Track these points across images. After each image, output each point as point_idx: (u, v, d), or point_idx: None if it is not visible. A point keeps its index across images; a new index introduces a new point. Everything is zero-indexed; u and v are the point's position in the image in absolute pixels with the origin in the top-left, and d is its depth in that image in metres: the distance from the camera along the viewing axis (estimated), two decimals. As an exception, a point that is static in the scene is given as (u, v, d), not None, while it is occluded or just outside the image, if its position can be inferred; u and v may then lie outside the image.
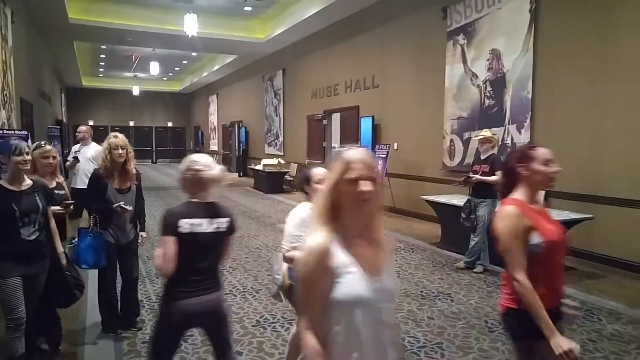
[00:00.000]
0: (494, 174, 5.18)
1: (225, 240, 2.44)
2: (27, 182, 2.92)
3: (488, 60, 7.19)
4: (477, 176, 5.29)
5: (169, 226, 2.25)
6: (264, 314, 4.22)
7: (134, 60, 19.04)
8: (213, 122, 24.01)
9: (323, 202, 1.48)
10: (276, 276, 2.74)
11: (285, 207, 10.60)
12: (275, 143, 15.82)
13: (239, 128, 19.13)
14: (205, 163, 2.34)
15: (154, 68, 17.75)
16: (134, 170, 3.70)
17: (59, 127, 13.44)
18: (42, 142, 3.54)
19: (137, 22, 12.31)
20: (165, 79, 25.56)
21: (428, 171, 8.58)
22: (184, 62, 20.62)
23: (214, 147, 23.92)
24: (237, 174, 18.98)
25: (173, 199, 11.39)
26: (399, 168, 9.31)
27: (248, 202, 11.44)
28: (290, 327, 3.90)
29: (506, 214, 2.00)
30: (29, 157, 2.87)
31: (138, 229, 3.81)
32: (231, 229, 2.43)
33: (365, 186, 1.41)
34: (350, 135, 11.09)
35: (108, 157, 3.52)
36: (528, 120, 6.47)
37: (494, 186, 5.26)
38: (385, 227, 5.71)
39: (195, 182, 2.32)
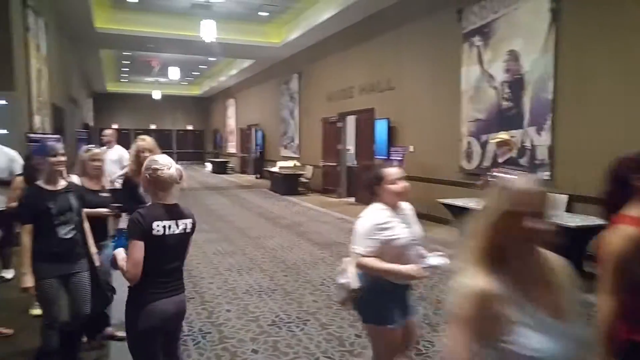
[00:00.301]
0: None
1: (188, 241, 2.43)
2: (62, 182, 3.02)
3: (505, 61, 7.14)
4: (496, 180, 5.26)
5: (139, 229, 2.19)
6: (279, 313, 4.29)
7: (155, 65, 19.43)
8: (231, 125, 24.30)
9: (482, 239, 1.30)
10: (344, 281, 2.49)
11: (300, 209, 10.70)
12: (291, 146, 15.94)
13: (256, 131, 19.33)
14: (163, 162, 2.31)
15: (174, 73, 18.09)
16: None
17: (86, 130, 13.85)
18: (92, 146, 3.68)
19: (158, 29, 12.61)
20: (185, 83, 25.98)
21: (445, 174, 8.56)
22: (202, 66, 20.97)
23: (232, 149, 24.20)
24: (254, 176, 19.19)
25: (190, 198, 11.58)
26: (415, 171, 9.28)
27: (264, 204, 11.56)
28: (305, 327, 3.97)
29: (622, 235, 1.68)
30: (63, 159, 2.98)
31: None
32: (193, 229, 2.42)
33: (542, 224, 1.25)
34: (366, 138, 11.12)
35: (136, 159, 3.60)
36: (549, 122, 6.39)
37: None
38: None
39: (154, 182, 2.29)
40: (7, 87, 6.19)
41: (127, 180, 3.67)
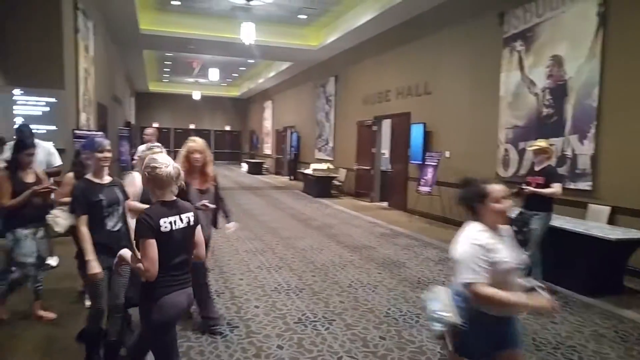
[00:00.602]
0: (549, 186, 5.01)
1: (193, 234, 2.50)
2: (107, 177, 3.16)
3: (548, 67, 6.94)
4: (531, 188, 5.10)
5: (149, 228, 2.27)
6: (306, 312, 4.32)
7: (195, 66, 19.95)
8: (267, 127, 24.62)
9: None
10: (440, 314, 2.26)
11: (332, 212, 10.72)
12: (325, 148, 16.00)
13: (292, 133, 19.51)
14: (162, 161, 2.38)
15: (214, 74, 18.51)
16: (212, 173, 3.86)
17: (128, 128, 14.37)
18: (153, 145, 3.77)
19: (199, 31, 12.95)
20: (224, 84, 26.52)
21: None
22: (242, 68, 21.35)
23: (267, 151, 24.51)
24: (288, 177, 19.36)
25: (226, 198, 11.76)
26: (451, 177, 9.15)
27: (296, 205, 11.65)
28: (330, 326, 3.99)
29: None
30: (109, 155, 3.10)
31: (218, 225, 4.02)
32: (196, 221, 2.50)
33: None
34: (401, 142, 11.04)
35: (186, 160, 3.67)
36: (592, 130, 6.16)
37: (550, 199, 5.09)
38: (435, 237, 5.75)
39: (153, 180, 2.36)
40: (57, 85, 6.51)
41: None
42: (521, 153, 7.35)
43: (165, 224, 2.31)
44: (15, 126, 5.41)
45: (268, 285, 5.08)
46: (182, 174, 2.48)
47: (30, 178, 3.79)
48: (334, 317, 4.21)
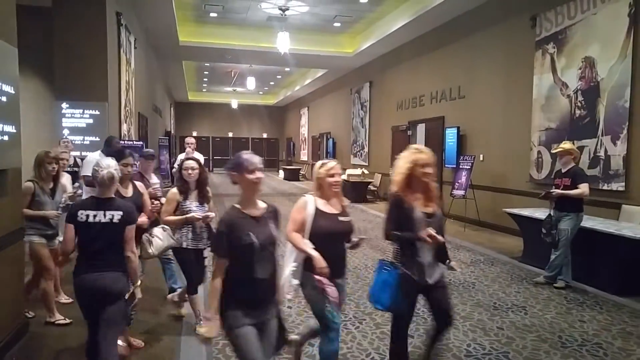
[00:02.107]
0: (576, 187, 4.94)
1: (120, 230, 2.79)
2: (261, 205, 2.36)
3: (580, 68, 6.81)
4: (558, 191, 5.06)
5: (70, 215, 2.79)
6: (331, 312, 4.43)
7: (232, 76, 20.54)
8: (304, 134, 24.95)
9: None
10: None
11: (367, 217, 10.77)
12: (361, 154, 16.08)
13: (327, 139, 19.70)
14: (102, 165, 2.83)
15: (251, 83, 18.99)
16: (436, 191, 2.95)
17: (167, 137, 15.01)
18: (327, 160, 2.96)
19: (235, 41, 13.38)
20: (261, 93, 27.11)
21: (514, 183, 8.25)
22: (278, 77, 21.79)
23: (304, 157, 24.82)
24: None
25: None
26: (485, 180, 9.05)
27: (331, 211, 11.76)
28: (360, 325, 4.09)
29: None
30: (262, 175, 2.33)
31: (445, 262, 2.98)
32: (122, 219, 2.79)
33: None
34: (435, 146, 10.96)
35: (408, 173, 2.82)
36: (625, 131, 6.01)
37: (580, 200, 5.02)
38: (468, 240, 5.76)
39: (94, 179, 2.81)
40: (101, 98, 6.96)
41: (398, 200, 2.82)
42: (554, 155, 7.19)
43: (82, 215, 2.76)
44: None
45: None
46: (117, 178, 2.89)
47: (128, 192, 3.62)
48: (364, 317, 4.31)
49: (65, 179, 4.62)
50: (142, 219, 3.65)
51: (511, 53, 8.45)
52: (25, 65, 8.00)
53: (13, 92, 3.47)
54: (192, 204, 3.71)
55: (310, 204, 2.84)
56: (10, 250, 3.62)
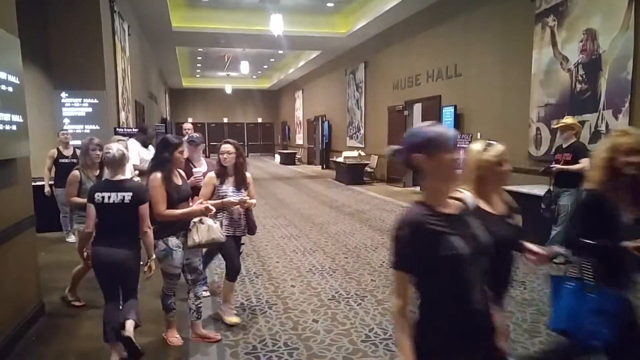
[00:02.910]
0: (577, 162, 5.01)
1: (132, 209, 2.99)
2: (453, 203, 1.63)
3: (581, 41, 6.79)
4: (559, 166, 5.12)
5: (89, 197, 3.02)
6: (339, 290, 4.54)
7: (226, 60, 20.35)
8: (299, 117, 24.88)
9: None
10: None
11: (364, 198, 10.87)
12: (357, 136, 16.09)
13: (322, 122, 19.68)
14: (108, 147, 3.08)
15: (244, 67, 18.84)
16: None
17: (163, 124, 14.95)
18: (489, 141, 2.28)
19: (228, 25, 13.24)
20: (254, 77, 26.89)
21: (513, 161, 8.17)
22: (271, 60, 21.62)
23: (299, 141, 24.79)
24: (320, 166, 19.59)
25: (261, 188, 12.15)
26: (482, 158, 9.11)
27: (329, 193, 11.86)
28: (362, 302, 4.19)
29: None
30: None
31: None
32: (133, 200, 2.98)
33: None
34: (432, 126, 11.00)
35: (608, 163, 2.24)
36: (627, 105, 6.04)
37: (580, 175, 5.09)
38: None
39: (103, 162, 3.05)
40: (99, 87, 6.93)
41: (597, 198, 2.26)
42: (553, 131, 7.25)
43: (98, 196, 2.98)
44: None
45: (303, 267, 5.33)
46: (123, 156, 3.05)
47: (179, 180, 3.37)
48: (366, 294, 4.41)
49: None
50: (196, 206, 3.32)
51: (509, 28, 8.43)
52: (24, 55, 7.97)
53: (18, 82, 3.47)
54: (228, 189, 3.62)
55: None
56: (23, 237, 3.68)
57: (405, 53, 12.40)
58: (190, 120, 28.69)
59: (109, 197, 2.98)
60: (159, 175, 3.16)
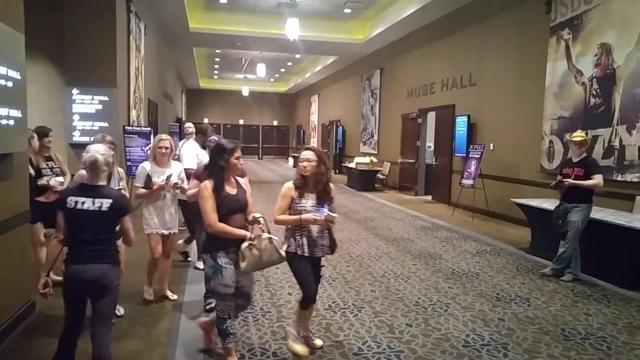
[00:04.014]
0: (589, 178, 4.85)
1: (109, 219, 2.64)
2: None
3: (596, 55, 6.64)
4: (571, 180, 4.96)
5: (59, 202, 2.67)
6: (336, 299, 4.45)
7: (243, 62, 20.47)
8: (314, 121, 24.87)
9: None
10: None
11: (374, 205, 10.75)
12: (370, 142, 15.99)
13: (337, 127, 19.63)
14: (89, 147, 2.71)
15: (261, 70, 18.93)
16: None
17: (177, 124, 15.06)
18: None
19: (245, 27, 13.31)
20: (272, 80, 27.02)
21: (525, 173, 8.15)
22: (288, 63, 21.68)
23: (314, 144, 24.72)
24: (333, 171, 19.50)
25: (272, 192, 12.14)
26: (494, 169, 8.95)
27: (339, 199, 11.77)
28: (359, 313, 4.10)
29: None
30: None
31: None
32: (114, 209, 2.62)
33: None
34: (445, 135, 10.88)
35: None
36: (641, 120, 5.87)
37: (590, 191, 4.93)
38: (476, 230, 5.76)
39: (83, 163, 2.68)
40: (110, 84, 6.98)
41: None
42: (567, 145, 7.07)
43: (70, 201, 2.60)
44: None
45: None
46: (103, 163, 2.66)
47: (233, 189, 3.08)
48: (364, 305, 4.31)
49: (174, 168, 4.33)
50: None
51: (524, 39, 8.28)
52: (38, 51, 8.09)
53: (19, 77, 3.48)
54: (307, 203, 3.13)
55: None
56: (16, 232, 3.68)
57: (421, 61, 12.29)
58: (206, 120, 29.02)
59: (83, 203, 2.58)
60: (209, 184, 2.91)
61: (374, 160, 14.16)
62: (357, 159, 14.23)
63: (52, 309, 4.03)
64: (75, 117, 6.92)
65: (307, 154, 3.18)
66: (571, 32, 7.07)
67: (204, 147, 5.35)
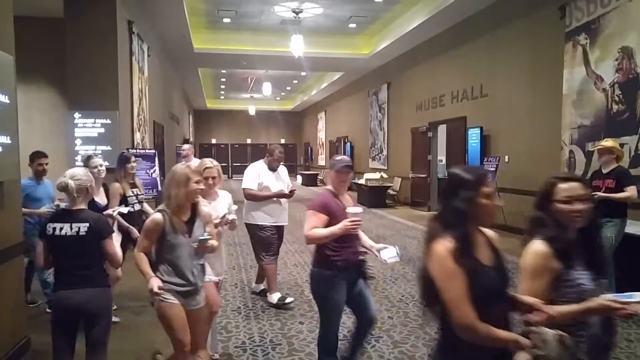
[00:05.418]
0: (622, 190, 4.50)
1: (89, 243, 2.54)
2: None
3: (617, 59, 6.34)
4: (602, 193, 4.59)
5: (40, 229, 2.62)
6: (352, 329, 4.11)
7: (249, 82, 20.45)
8: (321, 138, 24.70)
9: None
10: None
11: (386, 222, 10.41)
12: (379, 157, 15.72)
13: (345, 143, 19.40)
14: (65, 173, 2.60)
15: (267, 89, 18.86)
16: None
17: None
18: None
19: (250, 46, 13.21)
20: (278, 98, 26.99)
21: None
22: (294, 81, 21.62)
23: (321, 162, 24.55)
24: (343, 188, 19.20)
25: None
26: (511, 182, 8.60)
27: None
28: (376, 343, 3.76)
29: None
30: None
31: None
32: (92, 233, 2.53)
33: None
34: (457, 148, 10.57)
35: None
36: (668, 126, 5.55)
37: (624, 204, 4.58)
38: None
39: (57, 189, 2.61)
40: (112, 107, 6.81)
41: None
42: (589, 155, 6.74)
43: (49, 227, 2.55)
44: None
45: (315, 301, 4.92)
46: (73, 184, 2.55)
47: (486, 252, 1.88)
48: (381, 334, 3.98)
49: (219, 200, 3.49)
50: None
51: (537, 47, 8.01)
52: (40, 76, 8.02)
53: (8, 101, 3.27)
54: (582, 277, 1.83)
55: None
56: (8, 265, 3.43)
57: (429, 73, 12.06)
58: (213, 140, 29.01)
59: (62, 229, 2.52)
60: (448, 247, 1.66)
61: (384, 175, 13.85)
62: (367, 175, 13.93)
63: (48, 346, 3.76)
64: (78, 142, 6.74)
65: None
66: (588, 37, 6.79)
67: (271, 168, 5.00)
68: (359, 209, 2.87)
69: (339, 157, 3.09)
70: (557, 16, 7.43)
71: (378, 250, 3.13)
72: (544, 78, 7.83)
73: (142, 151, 7.35)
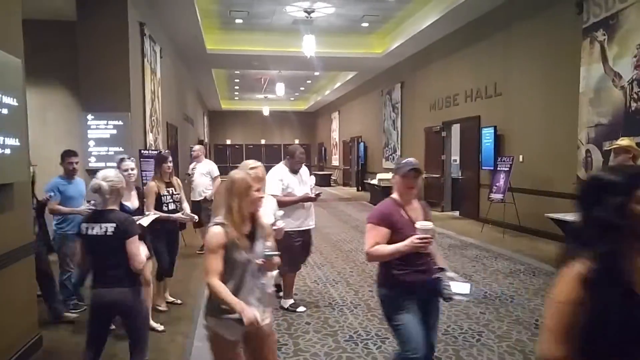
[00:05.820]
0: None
1: (116, 243, 2.66)
2: None
3: (636, 56, 6.17)
4: None
5: (77, 229, 2.84)
6: (358, 329, 4.09)
7: (263, 82, 20.51)
8: (335, 139, 24.65)
9: None
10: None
11: (399, 223, 10.31)
12: (393, 157, 15.60)
13: (358, 143, 19.32)
14: (97, 174, 2.76)
15: (280, 89, 18.89)
16: None
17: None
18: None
19: (262, 47, 13.23)
20: (292, 99, 27.02)
21: (559, 186, 7.62)
22: (308, 82, 21.60)
23: (335, 162, 24.50)
24: (355, 188, 19.14)
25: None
26: (525, 182, 8.46)
27: (361, 217, 11.38)
28: (382, 345, 3.72)
29: None
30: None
31: None
32: (116, 232, 2.66)
33: None
34: (471, 147, 10.43)
35: None
36: (689, 124, 5.37)
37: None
38: (507, 247, 5.29)
39: (91, 191, 2.80)
40: (124, 108, 6.88)
41: None
42: (606, 154, 6.57)
43: (83, 227, 2.73)
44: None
45: (322, 301, 4.90)
46: (107, 185, 2.70)
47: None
48: (388, 335, 3.92)
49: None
50: None
51: (553, 44, 7.85)
52: (53, 78, 8.14)
53: (16, 104, 3.31)
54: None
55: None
56: (19, 265, 3.49)
57: (443, 72, 11.93)
58: (228, 141, 29.19)
59: (93, 229, 2.70)
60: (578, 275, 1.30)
61: (398, 175, 13.73)
62: (380, 175, 13.85)
63: (60, 344, 3.82)
64: (91, 143, 6.82)
65: None
66: (606, 33, 6.62)
67: (293, 171, 4.71)
68: (429, 224, 2.47)
69: (404, 160, 2.69)
70: (573, 12, 7.27)
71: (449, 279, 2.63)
72: (560, 76, 7.67)
73: (154, 152, 7.40)
